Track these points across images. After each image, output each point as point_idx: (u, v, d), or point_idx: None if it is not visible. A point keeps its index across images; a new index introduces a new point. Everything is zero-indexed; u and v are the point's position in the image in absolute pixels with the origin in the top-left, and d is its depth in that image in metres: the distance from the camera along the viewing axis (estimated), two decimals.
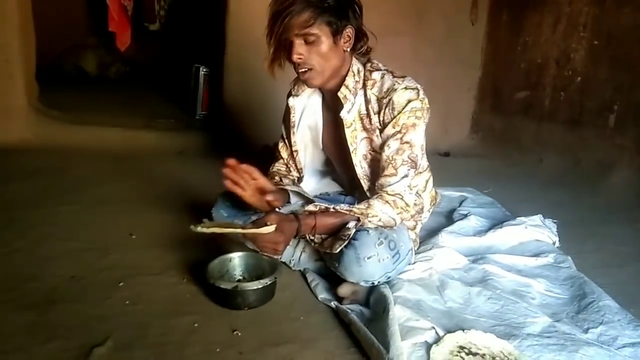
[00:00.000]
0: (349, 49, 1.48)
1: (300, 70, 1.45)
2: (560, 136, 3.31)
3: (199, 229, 1.36)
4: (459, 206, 2.34)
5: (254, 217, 1.69)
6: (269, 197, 1.52)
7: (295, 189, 1.64)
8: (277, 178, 1.70)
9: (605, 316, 1.41)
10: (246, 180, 1.51)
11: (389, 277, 1.44)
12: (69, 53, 5.52)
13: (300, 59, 1.41)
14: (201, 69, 3.75)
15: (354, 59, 1.53)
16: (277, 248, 1.40)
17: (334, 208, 1.46)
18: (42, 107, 3.13)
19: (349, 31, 1.45)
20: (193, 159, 3.05)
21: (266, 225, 1.36)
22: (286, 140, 1.73)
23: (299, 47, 1.40)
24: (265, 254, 1.45)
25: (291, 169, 1.75)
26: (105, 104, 3.96)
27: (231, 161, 1.50)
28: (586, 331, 1.35)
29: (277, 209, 1.55)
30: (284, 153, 1.74)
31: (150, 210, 2.07)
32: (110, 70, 5.63)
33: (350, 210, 1.44)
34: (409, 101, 1.44)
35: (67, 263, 1.57)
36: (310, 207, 1.47)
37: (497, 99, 3.91)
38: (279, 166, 1.76)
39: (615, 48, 2.97)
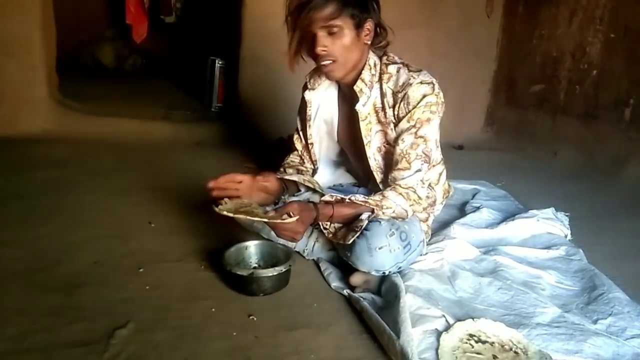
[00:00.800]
0: (369, 43, 1.51)
1: (323, 63, 1.46)
2: (575, 130, 3.30)
3: (224, 212, 1.38)
4: (472, 199, 2.36)
5: (268, 208, 1.74)
6: (260, 178, 1.56)
7: (302, 179, 1.67)
8: (282, 170, 1.75)
9: (615, 308, 1.43)
10: (234, 187, 1.52)
11: (400, 268, 1.47)
12: (87, 45, 5.61)
13: (324, 51, 1.43)
14: (217, 61, 3.79)
15: (370, 52, 1.55)
16: (295, 237, 1.44)
17: (349, 199, 1.49)
18: (62, 99, 3.20)
19: (369, 24, 1.47)
20: (209, 150, 3.10)
21: (288, 214, 1.39)
22: (301, 133, 1.76)
23: (323, 39, 1.42)
24: (282, 240, 1.49)
25: (305, 160, 1.78)
26: (122, 95, 4.02)
27: (211, 183, 1.50)
28: (595, 322, 1.37)
29: (294, 198, 1.59)
30: (299, 145, 1.77)
31: (168, 200, 2.12)
32: (127, 62, 5.71)
33: (366, 202, 1.47)
34: (424, 96, 1.46)
35: (90, 249, 1.63)
36: (327, 198, 1.50)
37: (512, 91, 3.90)
38: (293, 158, 1.79)
39: (631, 41, 2.95)
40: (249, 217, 1.39)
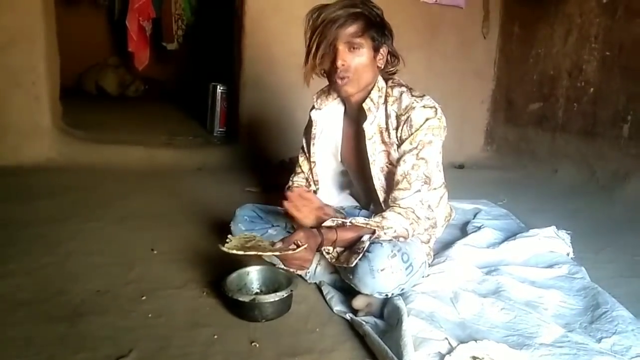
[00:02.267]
0: (381, 67, 1.57)
1: (339, 77, 1.51)
2: (575, 147, 3.31)
3: (231, 251, 1.40)
4: (473, 218, 2.37)
5: (271, 231, 1.76)
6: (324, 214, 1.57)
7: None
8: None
9: (619, 326, 1.42)
10: (305, 205, 1.56)
11: (402, 289, 1.47)
12: (90, 72, 5.70)
13: (344, 64, 1.48)
14: (218, 86, 3.84)
15: (379, 76, 1.60)
16: (304, 265, 1.48)
17: (350, 222, 1.50)
18: (66, 127, 3.24)
19: (384, 50, 1.55)
20: (212, 174, 3.12)
21: (296, 244, 1.42)
22: (306, 154, 1.78)
23: (344, 54, 1.48)
24: (292, 269, 1.51)
25: (311, 183, 1.80)
26: (126, 122, 4.08)
27: (298, 191, 1.56)
28: (599, 341, 1.36)
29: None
30: (305, 167, 1.79)
31: (171, 226, 2.13)
32: (130, 89, 5.78)
33: (367, 224, 1.48)
34: (427, 119, 1.50)
35: (93, 277, 1.64)
36: (328, 223, 1.52)
37: (510, 110, 3.93)
38: (299, 181, 1.81)
39: (627, 58, 2.98)
40: (258, 253, 1.41)
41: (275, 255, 1.47)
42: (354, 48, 1.48)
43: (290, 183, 1.81)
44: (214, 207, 2.38)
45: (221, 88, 3.83)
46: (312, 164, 1.76)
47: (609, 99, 3.08)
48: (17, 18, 2.87)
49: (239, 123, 3.51)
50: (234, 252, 1.39)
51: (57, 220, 2.13)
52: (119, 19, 5.26)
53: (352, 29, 1.46)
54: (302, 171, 1.80)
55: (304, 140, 1.80)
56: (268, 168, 2.97)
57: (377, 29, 1.50)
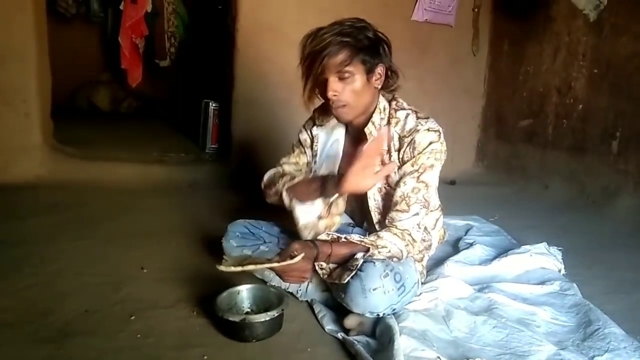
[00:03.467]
0: (379, 87, 1.55)
1: (334, 106, 1.51)
2: (565, 163, 3.34)
3: (229, 268, 1.39)
4: (465, 235, 2.37)
5: (263, 247, 1.74)
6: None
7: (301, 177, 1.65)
8: (288, 177, 1.67)
9: (611, 344, 1.42)
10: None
11: (394, 309, 1.46)
12: (82, 89, 5.69)
13: (335, 95, 1.48)
14: (211, 103, 3.85)
15: (381, 96, 1.59)
16: (304, 276, 1.45)
17: (345, 238, 1.49)
18: (57, 144, 3.22)
19: (380, 69, 1.52)
20: (204, 191, 3.11)
21: (292, 255, 1.40)
22: (300, 156, 1.76)
23: (334, 84, 1.47)
24: (291, 282, 1.50)
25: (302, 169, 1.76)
26: (117, 139, 4.06)
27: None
28: (592, 359, 1.36)
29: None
30: (302, 160, 1.75)
31: (161, 244, 2.11)
32: (122, 106, 5.78)
33: (362, 241, 1.47)
34: (431, 142, 1.50)
35: (81, 297, 1.62)
36: (323, 237, 1.50)
37: (501, 127, 3.97)
38: (288, 167, 1.74)
39: (615, 76, 3.02)
40: (257, 267, 1.40)
41: (274, 269, 1.44)
42: (344, 77, 1.46)
43: (280, 170, 1.73)
44: (206, 224, 2.36)
45: (213, 105, 3.84)
46: None
47: (598, 116, 3.12)
48: (8, 35, 2.87)
49: (231, 140, 3.51)
50: (232, 269, 1.38)
51: (45, 238, 2.10)
52: (112, 36, 5.28)
53: (339, 59, 1.43)
54: (297, 162, 1.76)
55: (300, 145, 1.76)
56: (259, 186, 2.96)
57: (367, 52, 1.47)
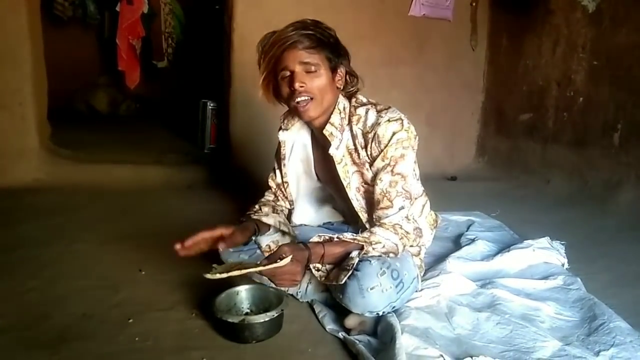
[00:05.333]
0: (341, 87, 1.55)
1: (299, 99, 1.48)
2: (566, 157, 3.31)
3: (215, 276, 1.36)
4: (467, 230, 2.35)
5: (259, 252, 1.72)
6: (221, 247, 1.51)
7: (277, 221, 1.68)
8: (257, 207, 1.74)
9: (617, 338, 1.40)
10: (198, 247, 1.53)
11: (394, 307, 1.44)
12: (80, 92, 5.69)
13: (302, 86, 1.46)
14: (208, 103, 3.83)
15: (340, 96, 1.58)
16: (295, 279, 1.42)
17: (337, 237, 1.47)
18: (54, 147, 3.21)
19: (342, 70, 1.53)
20: (202, 192, 3.09)
21: (280, 258, 1.36)
22: (277, 172, 1.77)
23: (301, 75, 1.45)
24: (284, 286, 1.46)
25: (279, 198, 1.79)
26: (115, 141, 4.04)
27: (177, 246, 1.50)
28: (597, 354, 1.34)
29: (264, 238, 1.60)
30: (273, 183, 1.79)
31: (159, 245, 2.08)
32: (121, 108, 5.77)
33: (354, 239, 1.46)
34: (394, 133, 1.48)
35: (79, 301, 1.60)
36: (315, 239, 1.49)
37: (501, 122, 3.94)
38: (267, 196, 1.80)
39: (614, 67, 3.00)
40: (243, 271, 1.37)
41: (262, 273, 1.41)
42: (311, 70, 1.45)
43: (260, 200, 1.78)
44: (204, 225, 2.33)
45: (211, 105, 3.82)
46: (285, 184, 1.75)
47: (599, 108, 3.09)
48: (3, 38, 2.86)
49: (229, 140, 3.49)
50: (218, 276, 1.35)
51: (42, 242, 2.09)
52: (109, 38, 5.27)
53: (304, 48, 1.43)
54: (270, 187, 1.79)
55: (275, 160, 1.79)
56: (257, 185, 2.94)
57: (331, 49, 1.47)
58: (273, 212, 1.72)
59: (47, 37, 3.26)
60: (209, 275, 1.37)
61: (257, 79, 3.29)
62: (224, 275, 1.35)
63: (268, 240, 1.67)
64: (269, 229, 1.68)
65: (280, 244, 1.57)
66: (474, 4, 3.92)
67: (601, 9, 2.94)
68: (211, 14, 4.54)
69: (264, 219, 1.66)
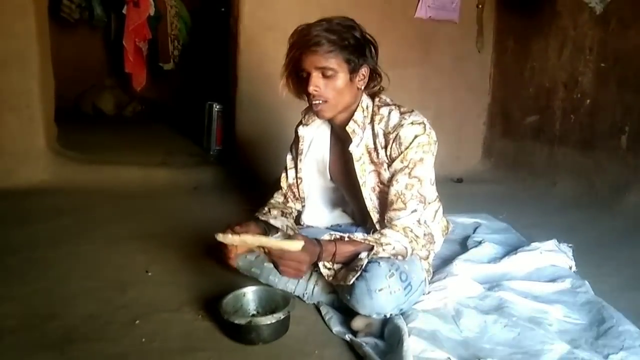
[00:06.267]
0: (362, 87, 1.53)
1: (314, 102, 1.49)
2: (573, 159, 3.29)
3: (227, 237, 1.36)
4: (473, 233, 2.34)
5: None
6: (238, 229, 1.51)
7: (285, 225, 1.66)
8: (266, 209, 1.73)
9: (626, 341, 1.39)
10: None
11: (401, 310, 1.44)
12: (87, 94, 5.72)
13: (316, 91, 1.46)
14: (214, 105, 3.84)
15: (363, 94, 1.57)
16: (300, 268, 1.37)
17: (348, 237, 1.47)
18: (61, 149, 3.22)
19: (364, 70, 1.51)
20: (208, 194, 3.10)
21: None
22: (288, 172, 1.76)
23: (317, 79, 1.45)
24: (287, 275, 1.41)
25: (289, 200, 1.77)
26: (122, 143, 4.06)
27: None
28: (606, 357, 1.33)
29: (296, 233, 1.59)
30: (284, 184, 1.77)
31: (166, 247, 2.10)
32: (127, 110, 5.80)
33: (365, 239, 1.45)
34: (416, 136, 1.47)
35: (86, 302, 1.60)
36: (326, 237, 1.48)
37: (507, 124, 3.93)
38: (277, 197, 1.79)
39: (622, 69, 2.98)
40: (255, 238, 1.37)
41: (271, 251, 1.37)
42: (327, 74, 1.45)
43: (269, 201, 1.77)
44: (211, 227, 2.30)
45: (217, 107, 3.82)
46: (299, 180, 1.73)
47: (606, 110, 3.07)
48: (10, 41, 2.87)
49: (235, 141, 3.50)
50: (229, 238, 1.36)
51: (49, 243, 2.09)
52: (115, 41, 5.29)
53: (323, 55, 1.42)
54: (281, 187, 1.78)
55: (288, 158, 1.77)
56: (264, 186, 2.95)
57: (352, 51, 1.45)
58: (282, 216, 1.72)
59: (54, 40, 3.28)
60: (220, 236, 1.37)
61: (262, 81, 3.30)
62: (236, 238, 1.35)
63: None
64: (277, 233, 1.68)
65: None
66: (480, 6, 3.91)
67: (608, 10, 2.92)
68: (217, 16, 4.56)
69: (272, 221, 1.65)
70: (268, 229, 1.65)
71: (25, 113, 2.95)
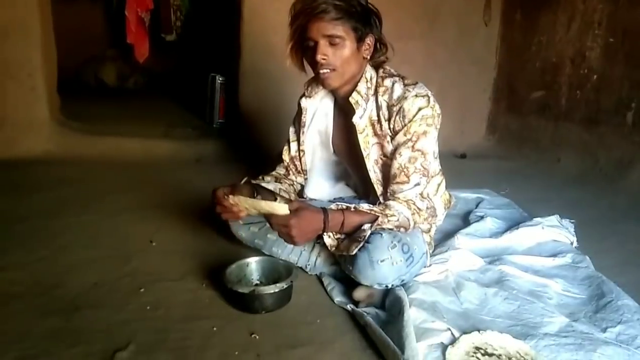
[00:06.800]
0: (368, 57, 1.52)
1: (321, 71, 1.47)
2: (578, 135, 3.28)
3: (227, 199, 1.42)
4: (476, 208, 2.34)
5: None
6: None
7: (278, 188, 1.68)
8: (261, 177, 1.73)
9: (624, 315, 1.40)
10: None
11: (402, 280, 1.45)
12: (89, 65, 5.67)
13: (324, 59, 1.44)
14: (217, 77, 3.81)
15: (368, 66, 1.55)
16: (289, 232, 1.37)
17: (354, 207, 1.47)
18: (64, 119, 3.22)
19: (370, 39, 1.49)
20: (211, 166, 3.10)
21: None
22: (291, 144, 1.75)
23: (324, 48, 1.43)
24: (284, 239, 1.42)
25: (291, 172, 1.77)
26: (124, 114, 4.05)
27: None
28: (604, 330, 1.34)
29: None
30: (286, 156, 1.76)
31: (169, 218, 2.11)
32: (129, 81, 5.75)
33: (371, 210, 1.45)
34: (420, 109, 1.45)
35: (90, 270, 1.62)
36: (333, 206, 1.48)
37: (512, 99, 3.89)
38: (279, 169, 1.78)
39: (631, 45, 2.93)
40: (244, 198, 1.43)
41: (263, 212, 1.42)
42: (335, 42, 1.43)
43: (260, 177, 1.75)
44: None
45: (220, 79, 3.80)
46: (301, 153, 1.73)
47: (613, 86, 3.04)
48: (11, 9, 2.84)
49: (238, 114, 3.48)
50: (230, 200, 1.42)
51: (53, 213, 2.11)
52: (117, 11, 5.22)
53: (330, 19, 1.40)
54: (283, 161, 1.76)
55: (291, 130, 1.76)
56: (267, 159, 2.95)
57: (359, 18, 1.44)
58: (275, 181, 1.72)
59: (55, 10, 3.23)
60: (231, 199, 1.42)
61: (266, 52, 3.26)
62: (232, 197, 1.41)
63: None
64: (272, 198, 1.67)
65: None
66: None
67: None
68: None
69: (264, 184, 1.66)
70: (257, 192, 1.65)
71: (28, 82, 2.94)
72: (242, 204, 1.42)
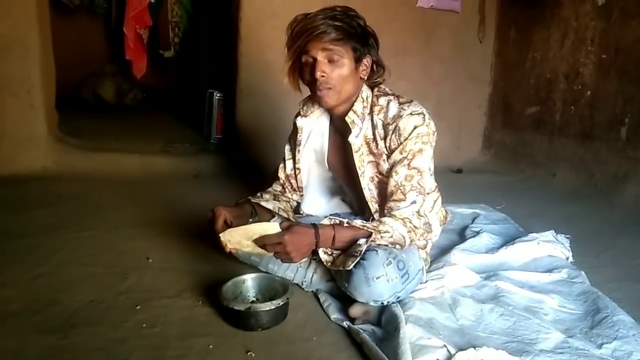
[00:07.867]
0: (365, 77, 1.54)
1: (319, 88, 1.49)
2: (573, 150, 3.30)
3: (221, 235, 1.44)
4: (472, 223, 2.35)
5: None
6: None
7: (277, 207, 1.69)
8: (259, 195, 1.74)
9: (620, 331, 1.41)
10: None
11: (398, 297, 1.45)
12: (88, 81, 5.69)
13: (323, 76, 1.46)
14: (215, 93, 3.83)
15: (364, 86, 1.58)
16: (285, 250, 1.37)
17: (347, 222, 1.48)
18: (62, 135, 3.22)
19: (367, 60, 1.52)
20: (208, 182, 3.11)
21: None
22: (286, 162, 1.77)
23: (324, 65, 1.45)
24: (280, 259, 1.43)
25: (287, 190, 1.78)
26: (122, 130, 4.05)
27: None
28: (600, 346, 1.35)
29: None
30: (282, 174, 1.78)
31: (166, 234, 2.11)
32: (128, 97, 5.77)
33: (364, 226, 1.46)
34: (415, 127, 1.47)
35: (87, 287, 1.62)
36: (325, 221, 1.49)
37: (508, 114, 3.93)
38: (275, 186, 1.80)
39: (623, 61, 2.98)
40: (236, 229, 1.44)
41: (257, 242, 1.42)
42: (333, 60, 1.45)
43: (258, 194, 1.76)
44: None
45: (218, 95, 3.82)
46: (297, 171, 1.74)
47: (606, 102, 3.08)
48: (11, 26, 2.86)
49: (235, 130, 3.50)
50: (221, 234, 1.44)
51: (50, 229, 2.10)
52: (116, 27, 5.26)
53: (330, 40, 1.43)
54: (279, 177, 1.78)
55: (286, 149, 1.78)
56: (264, 175, 2.96)
57: (358, 39, 1.47)
58: (274, 200, 1.73)
59: (54, 26, 3.25)
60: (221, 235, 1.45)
61: (263, 69, 3.29)
62: (225, 234, 1.44)
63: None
64: (270, 217, 1.68)
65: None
66: None
67: (611, 1, 2.91)
68: (218, 4, 4.53)
69: (263, 203, 1.67)
70: (255, 212, 1.67)
71: (26, 99, 2.95)
72: (235, 238, 1.43)
